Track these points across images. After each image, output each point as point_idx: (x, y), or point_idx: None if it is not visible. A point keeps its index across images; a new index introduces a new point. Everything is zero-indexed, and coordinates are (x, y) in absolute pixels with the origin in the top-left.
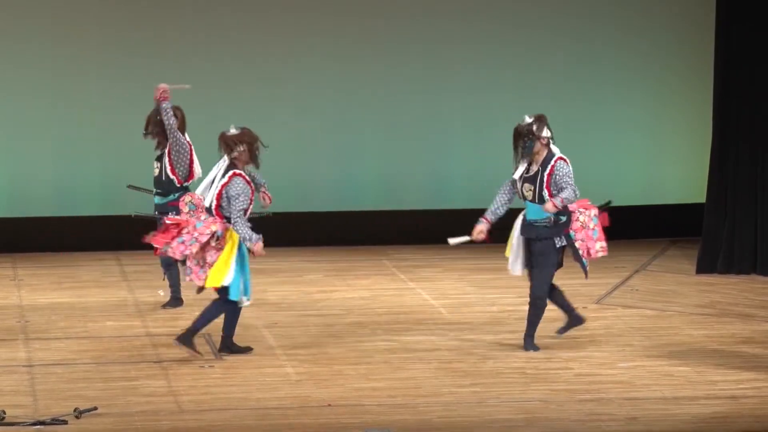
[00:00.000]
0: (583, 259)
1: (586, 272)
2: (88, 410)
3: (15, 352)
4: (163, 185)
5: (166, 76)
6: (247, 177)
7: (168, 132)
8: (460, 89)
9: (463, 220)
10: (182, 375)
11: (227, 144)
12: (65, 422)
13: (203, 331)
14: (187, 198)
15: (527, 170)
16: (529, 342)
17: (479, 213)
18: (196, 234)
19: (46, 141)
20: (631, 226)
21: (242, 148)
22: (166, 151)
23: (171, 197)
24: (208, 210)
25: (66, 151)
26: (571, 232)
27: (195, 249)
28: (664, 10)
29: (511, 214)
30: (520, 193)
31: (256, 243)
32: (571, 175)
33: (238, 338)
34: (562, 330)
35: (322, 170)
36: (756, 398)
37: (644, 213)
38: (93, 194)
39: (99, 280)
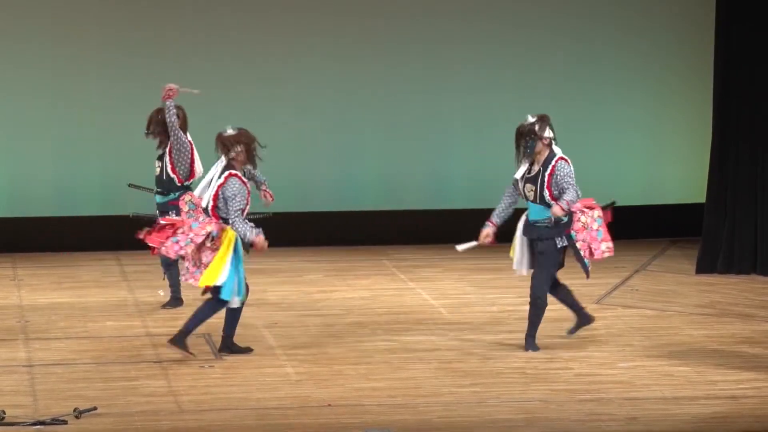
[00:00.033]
0: (585, 259)
1: (587, 272)
2: (88, 410)
3: (15, 352)
4: (164, 184)
5: (166, 76)
6: (243, 177)
7: (170, 130)
8: (460, 89)
9: (463, 220)
10: (182, 375)
11: (224, 145)
12: (65, 422)
13: (203, 330)
14: (187, 197)
15: (529, 170)
16: (530, 342)
17: (479, 213)
18: (191, 235)
19: (46, 141)
20: (631, 226)
21: (239, 148)
22: (167, 150)
23: (171, 196)
24: (205, 210)
25: (66, 151)
26: (573, 233)
27: (190, 250)
28: (664, 10)
29: (517, 214)
30: (522, 193)
31: (257, 236)
32: (573, 176)
33: (238, 338)
34: (573, 330)
35: (322, 170)
36: (756, 398)
37: (644, 213)
38: (93, 194)
39: (99, 280)
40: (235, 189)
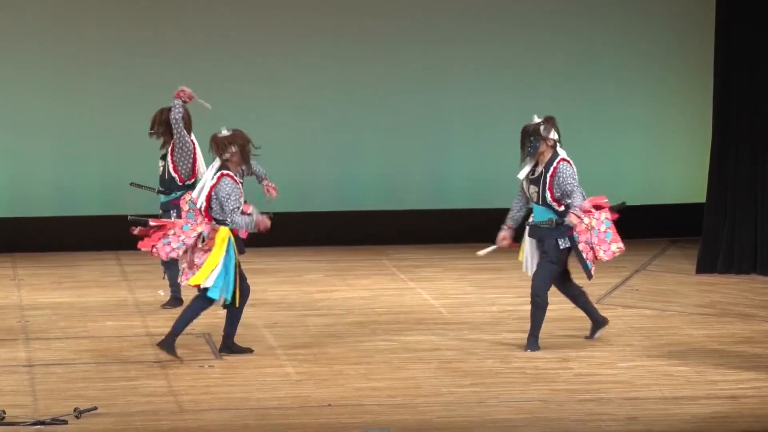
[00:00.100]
0: (587, 261)
1: (589, 274)
2: (88, 410)
3: (15, 352)
4: (166, 183)
5: (166, 76)
6: (236, 177)
7: (173, 127)
8: (460, 89)
9: (463, 220)
10: (182, 375)
11: (218, 146)
12: (65, 422)
13: (204, 330)
14: (188, 197)
15: (533, 171)
16: (532, 342)
17: (479, 213)
18: (182, 237)
19: (46, 141)
20: (631, 226)
21: (234, 149)
22: (170, 149)
23: (174, 195)
24: (200, 211)
25: (66, 151)
26: (575, 234)
27: (182, 252)
28: (664, 10)
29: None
30: (528, 194)
31: (257, 219)
32: (575, 177)
33: (238, 338)
34: (590, 335)
35: (322, 170)
36: (756, 398)
37: (644, 213)
38: (93, 194)
39: (99, 280)
40: (228, 189)
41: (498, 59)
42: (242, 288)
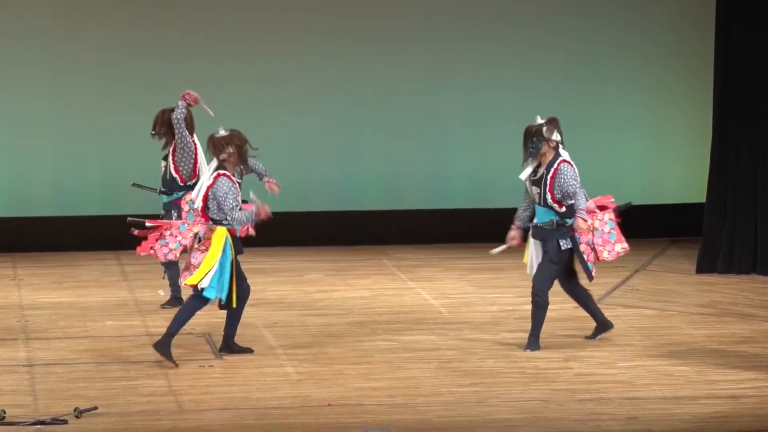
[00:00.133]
0: (588, 263)
1: (590, 276)
2: (88, 410)
3: (15, 352)
4: (168, 184)
5: (166, 76)
6: (232, 177)
7: (175, 127)
8: (460, 89)
9: (463, 220)
10: (182, 375)
11: (215, 146)
12: (65, 422)
13: (204, 330)
14: (188, 197)
15: (535, 173)
16: (533, 341)
17: (479, 213)
18: (179, 238)
19: (46, 141)
20: (631, 226)
21: (231, 149)
22: (172, 150)
23: (175, 196)
24: (197, 211)
25: (66, 151)
26: (576, 235)
27: (179, 252)
28: (664, 10)
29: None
30: (531, 196)
31: (259, 208)
32: (577, 179)
33: (238, 338)
34: (592, 336)
35: (322, 170)
36: (756, 398)
37: (644, 213)
38: (93, 194)
39: (99, 280)
40: (225, 188)
41: (498, 59)
42: (242, 288)
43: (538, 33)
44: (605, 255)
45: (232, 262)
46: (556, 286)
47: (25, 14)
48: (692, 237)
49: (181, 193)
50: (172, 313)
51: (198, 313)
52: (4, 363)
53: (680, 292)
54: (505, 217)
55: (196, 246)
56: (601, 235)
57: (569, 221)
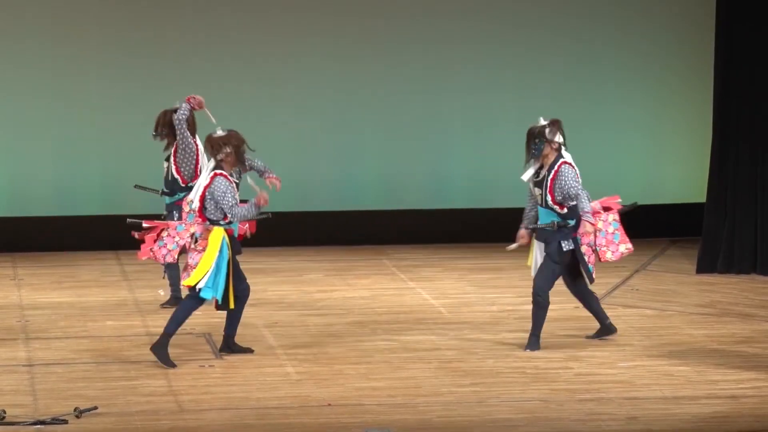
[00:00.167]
0: (589, 264)
1: (590, 278)
2: (89, 410)
3: (15, 352)
4: (170, 185)
5: (166, 76)
6: (229, 176)
7: (177, 127)
8: (460, 89)
9: (463, 220)
10: (182, 374)
11: (213, 146)
12: (65, 422)
13: (204, 330)
14: (188, 198)
15: (537, 174)
16: (533, 341)
17: (479, 213)
18: (177, 238)
19: (46, 141)
20: (631, 226)
21: (228, 150)
22: (173, 151)
23: (177, 197)
24: (194, 211)
25: (66, 151)
26: (578, 237)
27: (177, 254)
28: (664, 10)
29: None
30: (534, 197)
31: (257, 198)
32: (579, 180)
33: (238, 338)
34: (593, 336)
35: (322, 170)
36: (756, 398)
37: (644, 213)
38: (93, 194)
39: (99, 280)
40: (222, 187)
41: (498, 59)
42: (242, 288)
43: (538, 33)
44: (609, 255)
45: (228, 262)
46: (560, 286)
47: (25, 14)
48: (692, 237)
49: (183, 194)
50: (172, 312)
51: (198, 313)
52: (4, 363)
53: (680, 292)
54: (505, 217)
55: (192, 246)
56: (605, 236)
57: (571, 222)
